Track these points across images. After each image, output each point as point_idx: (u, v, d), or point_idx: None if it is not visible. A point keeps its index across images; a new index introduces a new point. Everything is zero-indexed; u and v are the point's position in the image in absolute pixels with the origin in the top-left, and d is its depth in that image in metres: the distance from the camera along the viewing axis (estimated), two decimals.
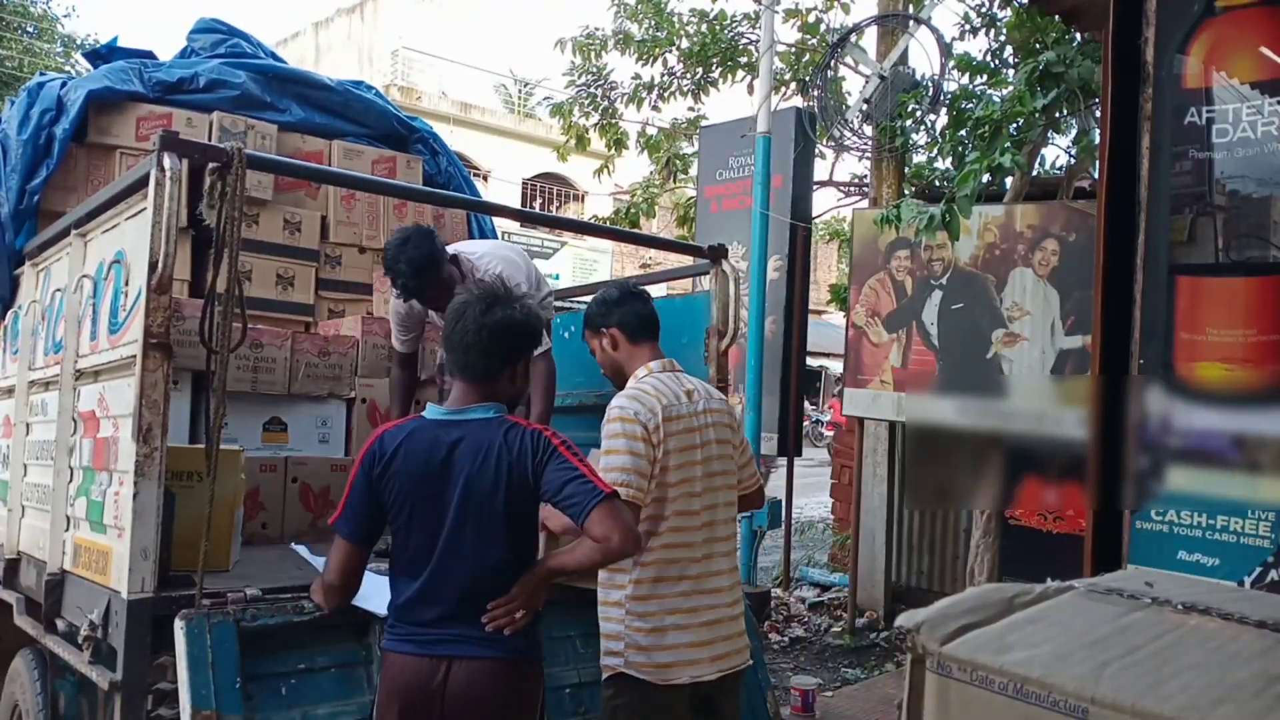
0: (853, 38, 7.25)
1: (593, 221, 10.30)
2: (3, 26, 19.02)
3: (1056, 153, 13.48)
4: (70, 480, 3.18)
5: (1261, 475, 2.52)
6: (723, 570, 2.76)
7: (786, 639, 6.40)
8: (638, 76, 8.74)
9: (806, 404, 20.12)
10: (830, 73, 7.23)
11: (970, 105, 5.97)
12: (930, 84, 6.72)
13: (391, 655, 2.26)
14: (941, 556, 6.88)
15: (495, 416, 2.30)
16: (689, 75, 8.50)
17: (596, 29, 8.86)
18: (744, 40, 8.25)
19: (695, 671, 2.63)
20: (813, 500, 11.92)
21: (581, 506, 2.16)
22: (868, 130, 7.04)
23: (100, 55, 4.78)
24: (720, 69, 8.33)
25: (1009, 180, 5.99)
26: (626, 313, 2.85)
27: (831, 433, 16.28)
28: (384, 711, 2.25)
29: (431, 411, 2.34)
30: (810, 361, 17.76)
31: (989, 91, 6.60)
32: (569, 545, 2.32)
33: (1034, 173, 6.28)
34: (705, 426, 2.75)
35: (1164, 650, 1.15)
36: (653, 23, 8.58)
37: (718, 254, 3.84)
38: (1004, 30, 6.78)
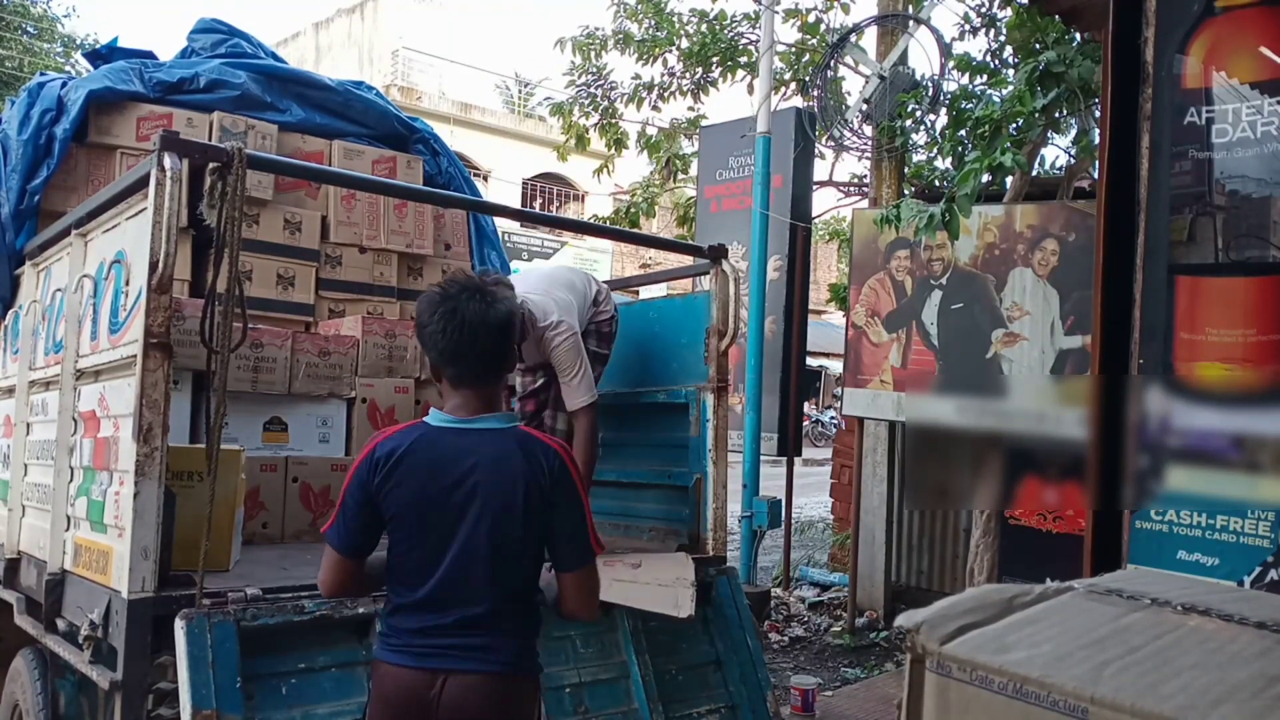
0: (852, 38, 7.25)
1: (593, 221, 10.31)
2: (3, 26, 19.02)
3: (1056, 153, 13.49)
4: (71, 480, 3.18)
5: (1261, 475, 2.52)
6: None
7: (786, 639, 6.40)
8: (638, 76, 8.74)
9: (807, 404, 20.12)
10: (830, 73, 7.23)
11: (970, 105, 5.97)
12: (930, 84, 6.72)
13: (385, 666, 2.14)
14: (941, 556, 6.88)
15: (510, 427, 2.16)
16: (689, 75, 8.50)
17: (596, 29, 8.86)
18: (744, 40, 8.25)
19: None
20: (813, 500, 11.92)
21: (567, 561, 2.19)
22: (867, 130, 7.04)
23: (100, 55, 4.78)
24: (720, 69, 8.33)
25: (1009, 180, 5.99)
26: None
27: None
28: None
29: (437, 419, 2.16)
30: (810, 361, 17.76)
31: (989, 91, 6.60)
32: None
33: (1034, 173, 6.28)
34: None
35: (1163, 650, 1.15)
36: (653, 23, 8.58)
37: (718, 254, 3.85)
38: (1004, 30, 6.78)
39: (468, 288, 2.19)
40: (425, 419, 2.19)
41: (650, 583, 3.33)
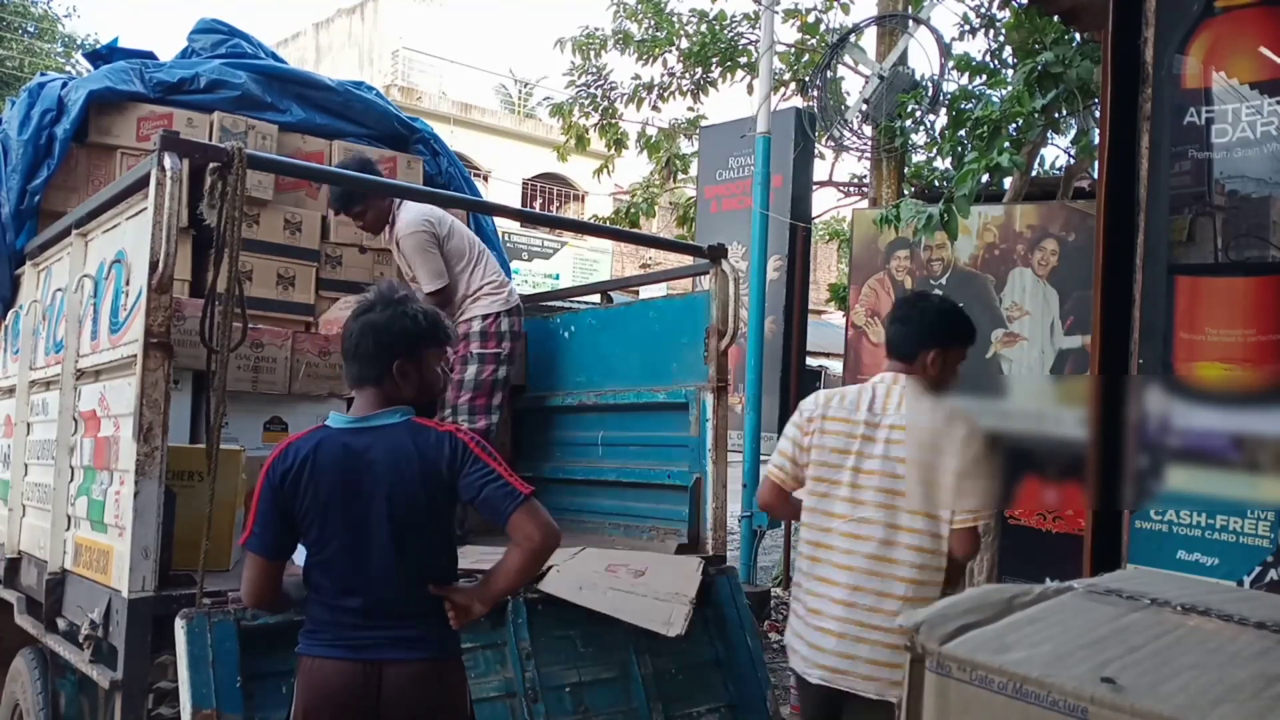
0: (852, 38, 7.25)
1: (593, 221, 10.31)
2: (3, 26, 19.03)
3: (1056, 153, 13.50)
4: (71, 479, 3.18)
5: (1261, 475, 2.52)
6: (871, 588, 2.56)
7: None
8: (637, 76, 8.75)
9: None
10: (830, 73, 7.23)
11: (969, 105, 5.97)
12: (929, 84, 6.73)
13: (316, 660, 2.19)
14: None
15: (402, 421, 2.26)
16: (689, 75, 8.51)
17: (596, 29, 8.87)
18: (744, 40, 8.26)
19: (805, 669, 2.65)
20: None
21: (500, 511, 2.18)
22: (867, 130, 7.04)
23: (101, 55, 4.77)
24: (720, 69, 8.33)
25: (1008, 180, 5.99)
26: (894, 332, 2.77)
27: None
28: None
29: (336, 420, 2.29)
30: (810, 361, 17.74)
31: (988, 92, 6.61)
32: (499, 564, 2.27)
33: (1033, 173, 6.29)
34: (878, 440, 2.62)
35: (1163, 650, 1.15)
36: (652, 23, 8.59)
37: (717, 254, 3.85)
38: (1003, 31, 6.78)
39: (367, 301, 2.34)
40: (325, 423, 2.30)
41: (646, 595, 3.29)
